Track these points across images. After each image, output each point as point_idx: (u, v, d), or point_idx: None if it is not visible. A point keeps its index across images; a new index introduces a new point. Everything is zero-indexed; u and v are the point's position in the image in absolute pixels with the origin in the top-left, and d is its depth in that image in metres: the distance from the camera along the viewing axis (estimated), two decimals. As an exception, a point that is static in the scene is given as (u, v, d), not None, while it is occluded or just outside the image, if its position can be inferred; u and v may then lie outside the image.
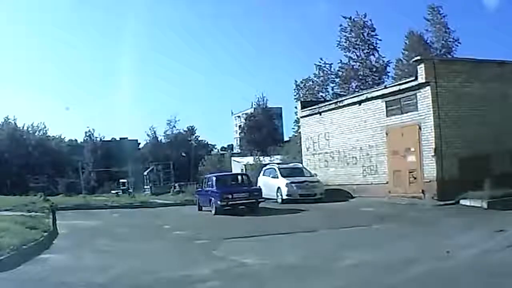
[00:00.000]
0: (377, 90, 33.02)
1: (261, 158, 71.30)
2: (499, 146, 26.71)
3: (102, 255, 15.89)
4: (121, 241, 19.22)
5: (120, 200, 41.59)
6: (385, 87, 32.00)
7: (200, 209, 31.12)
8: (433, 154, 26.79)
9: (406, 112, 28.83)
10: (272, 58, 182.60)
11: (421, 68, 27.41)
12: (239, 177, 33.29)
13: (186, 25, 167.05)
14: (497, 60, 29.15)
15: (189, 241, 18.69)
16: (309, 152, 38.82)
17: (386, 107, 30.54)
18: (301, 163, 38.89)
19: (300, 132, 45.20)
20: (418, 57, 29.02)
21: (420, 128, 27.59)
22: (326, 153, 36.64)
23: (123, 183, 72.83)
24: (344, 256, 13.84)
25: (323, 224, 21.72)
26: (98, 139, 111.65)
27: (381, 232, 19.10)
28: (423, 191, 27.31)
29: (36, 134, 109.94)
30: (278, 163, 48.15)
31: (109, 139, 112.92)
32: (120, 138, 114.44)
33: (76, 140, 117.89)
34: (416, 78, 27.80)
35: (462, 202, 24.62)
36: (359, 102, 33.19)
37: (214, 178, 30.11)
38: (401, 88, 29.31)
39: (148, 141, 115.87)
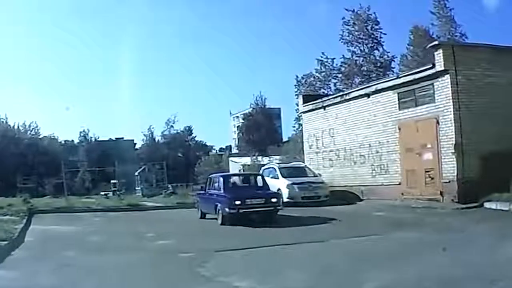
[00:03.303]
0: (388, 81, 30.57)
1: (259, 158, 70.15)
2: None
3: (62, 272, 13.30)
4: (92, 252, 16.62)
5: (106, 202, 38.94)
6: (398, 77, 29.49)
7: (202, 216, 25.92)
8: (453, 151, 24.58)
9: (422, 105, 26.48)
10: (272, 58, 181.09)
11: (439, 55, 25.12)
12: (252, 178, 27.14)
13: (184, 24, 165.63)
14: None
15: (172, 253, 15.92)
16: (312, 150, 36.45)
17: (399, 99, 28.11)
18: (303, 163, 35.94)
19: (301, 130, 43.19)
20: (436, 42, 26.53)
21: (438, 122, 25.29)
22: (331, 151, 34.17)
23: (114, 184, 70.32)
24: (364, 277, 11.16)
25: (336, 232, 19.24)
26: (93, 139, 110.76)
27: (403, 243, 16.29)
28: (441, 193, 25.06)
29: (28, 133, 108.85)
30: (278, 163, 45.57)
31: (105, 139, 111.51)
32: (116, 138, 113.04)
33: (72, 140, 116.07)
34: (433, 66, 25.52)
35: (486, 205, 22.48)
36: (368, 95, 30.75)
37: (221, 179, 24.72)
38: (415, 77, 26.91)
39: (144, 141, 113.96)
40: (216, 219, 23.52)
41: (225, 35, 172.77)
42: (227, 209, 22.54)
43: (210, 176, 27.60)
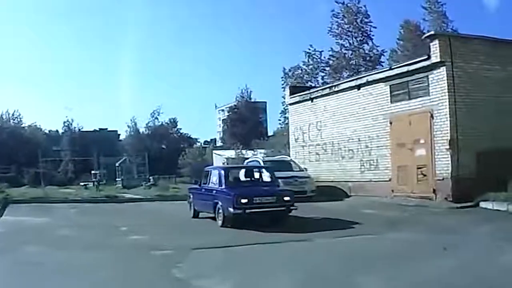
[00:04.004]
0: (380, 72, 29.28)
1: (244, 151, 69.09)
2: None
3: (19, 271, 12.19)
4: (58, 248, 15.47)
5: (83, 193, 38.69)
6: (390, 69, 28.26)
7: (195, 215, 22.81)
8: (447, 147, 23.41)
9: (415, 98, 25.30)
10: (259, 53, 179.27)
11: (435, 46, 23.91)
12: (259, 171, 23.43)
13: (171, 18, 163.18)
14: None
15: (145, 251, 14.75)
16: (298, 144, 35.23)
17: (391, 91, 26.89)
18: (289, 157, 34.77)
19: (287, 123, 42.41)
20: (432, 32, 25.50)
21: (432, 116, 24.10)
22: (318, 145, 32.94)
23: (95, 175, 69.47)
24: (356, 283, 10.27)
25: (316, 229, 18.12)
26: (77, 129, 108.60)
27: (395, 244, 15.06)
28: (434, 191, 23.88)
29: (11, 122, 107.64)
30: (263, 156, 44.48)
31: (89, 129, 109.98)
32: (100, 129, 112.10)
33: (57, 130, 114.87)
34: (429, 57, 24.30)
35: (482, 205, 21.37)
36: (358, 86, 29.48)
37: (222, 172, 21.15)
38: (409, 69, 25.68)
39: (128, 133, 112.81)
40: (212, 218, 20.46)
41: (212, 28, 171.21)
42: (230, 209, 19.06)
43: (207, 168, 24.01)
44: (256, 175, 22.80)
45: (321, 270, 11.75)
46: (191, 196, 23.60)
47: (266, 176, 22.61)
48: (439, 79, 23.87)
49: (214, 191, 20.72)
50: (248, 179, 22.16)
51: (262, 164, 30.34)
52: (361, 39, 59.55)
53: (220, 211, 19.78)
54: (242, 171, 22.89)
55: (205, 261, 13.39)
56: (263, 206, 19.31)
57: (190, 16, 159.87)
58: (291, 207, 19.71)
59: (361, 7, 59.33)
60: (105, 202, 32.79)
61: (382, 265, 11.86)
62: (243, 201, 19.05)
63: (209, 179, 21.78)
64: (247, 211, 18.95)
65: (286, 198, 19.86)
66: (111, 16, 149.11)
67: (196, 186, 23.40)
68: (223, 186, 20.34)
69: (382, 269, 11.37)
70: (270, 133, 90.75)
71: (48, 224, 21.34)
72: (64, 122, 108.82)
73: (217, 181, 20.92)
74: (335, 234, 16.81)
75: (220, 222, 19.63)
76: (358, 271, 11.13)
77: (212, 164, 67.64)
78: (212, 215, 20.54)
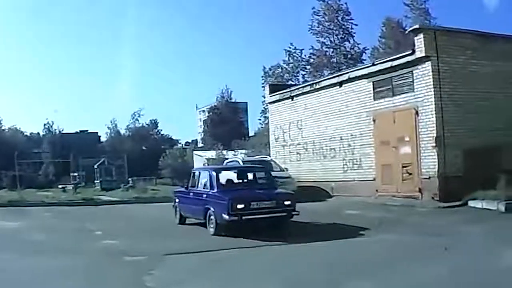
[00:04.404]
0: (362, 68, 28.62)
1: (224, 152, 68.91)
2: None
3: None
4: (26, 253, 14.66)
5: (60, 196, 38.49)
6: (373, 64, 27.51)
7: (182, 221, 20.90)
8: (433, 144, 22.76)
9: (399, 94, 24.64)
10: (241, 53, 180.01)
11: (419, 40, 23.25)
12: (255, 172, 21.10)
13: (152, 18, 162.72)
14: (508, 35, 25.37)
15: (118, 257, 14.01)
16: (278, 143, 34.63)
17: (374, 88, 26.22)
18: (269, 156, 34.07)
19: (267, 123, 42.02)
20: (416, 26, 24.97)
21: (417, 113, 23.46)
22: (299, 144, 32.31)
23: (74, 177, 68.88)
24: None
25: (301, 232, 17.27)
26: (58, 131, 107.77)
27: (383, 247, 14.34)
28: (420, 190, 23.20)
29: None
30: (243, 157, 43.92)
31: (70, 131, 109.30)
32: (80, 131, 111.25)
33: (38, 133, 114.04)
34: (413, 52, 23.64)
35: (471, 203, 20.68)
36: (340, 83, 28.78)
37: (213, 174, 19.00)
38: (393, 65, 25.01)
39: (109, 134, 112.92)
40: (202, 225, 18.56)
41: (192, 28, 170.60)
42: (225, 215, 16.98)
43: (196, 170, 22.38)
44: (252, 176, 20.56)
45: (305, 276, 11.08)
46: (177, 200, 21.45)
47: (262, 178, 20.64)
48: (424, 75, 23.25)
49: (205, 195, 18.70)
50: (243, 181, 19.97)
51: (241, 164, 29.53)
52: (342, 36, 59.37)
53: (212, 217, 17.72)
54: (236, 172, 20.57)
55: (179, 267, 12.70)
56: (262, 211, 17.26)
57: (171, 16, 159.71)
58: (293, 212, 17.72)
59: (342, 5, 59.17)
60: (82, 205, 32.36)
61: (370, 271, 11.10)
62: (239, 206, 16.98)
63: (198, 182, 19.82)
64: (244, 217, 16.86)
65: (287, 202, 17.77)
66: (89, 16, 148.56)
67: (183, 189, 21.46)
68: (215, 190, 18.27)
69: (370, 275, 10.61)
70: (251, 133, 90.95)
71: (20, 229, 20.66)
72: (45, 125, 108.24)
73: (208, 183, 18.83)
74: (319, 237, 16.09)
75: (212, 230, 17.62)
76: (345, 277, 10.47)
77: (193, 165, 67.30)
78: (202, 221, 18.66)
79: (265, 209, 17.30)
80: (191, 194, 19.96)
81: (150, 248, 14.98)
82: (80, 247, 15.87)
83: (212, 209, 17.82)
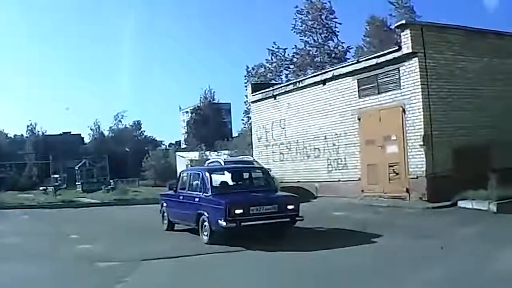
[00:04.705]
0: (346, 66, 27.95)
1: (207, 153, 69.07)
2: (502, 134, 22.69)
3: None
4: None
5: (40, 198, 37.98)
6: (358, 62, 26.85)
7: (170, 227, 19.33)
8: (421, 143, 22.13)
9: (385, 92, 23.97)
10: (225, 54, 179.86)
11: (406, 36, 22.60)
12: (252, 174, 19.47)
13: (133, 18, 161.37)
14: (496, 31, 24.99)
15: (90, 262, 13.41)
16: (261, 143, 34.02)
17: (359, 86, 25.58)
18: (252, 157, 33.32)
19: (250, 123, 41.26)
20: (403, 21, 24.57)
21: (404, 111, 22.82)
22: (282, 144, 31.68)
23: (56, 179, 68.59)
24: None
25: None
26: (41, 133, 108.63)
27: (372, 252, 13.69)
28: (407, 190, 22.56)
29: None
30: (225, 157, 43.25)
31: (53, 133, 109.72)
32: (63, 133, 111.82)
33: (22, 134, 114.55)
34: (400, 48, 23.03)
35: (461, 204, 20.22)
36: (324, 82, 28.15)
37: (206, 175, 17.22)
38: (378, 61, 24.37)
39: (92, 136, 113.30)
40: (195, 232, 17.03)
41: (175, 28, 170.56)
42: (221, 221, 15.30)
43: (185, 171, 21.37)
44: (249, 177, 19.09)
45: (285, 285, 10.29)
46: (165, 204, 19.82)
47: (260, 179, 18.90)
48: (411, 71, 22.64)
49: (197, 199, 17.00)
50: (239, 182, 18.40)
51: (223, 164, 28.70)
52: (326, 35, 58.88)
53: (206, 224, 16.09)
54: (231, 173, 18.96)
55: (153, 274, 12.19)
56: (262, 217, 15.62)
57: (152, 15, 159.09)
58: (297, 218, 16.20)
59: (325, 3, 58.59)
60: (61, 207, 32.20)
61: (362, 279, 10.54)
62: (238, 211, 15.35)
63: (189, 184, 18.30)
64: (243, 224, 15.30)
65: (290, 207, 16.16)
66: (68, 18, 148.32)
67: (171, 192, 19.44)
68: (209, 193, 16.56)
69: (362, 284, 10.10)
70: (235, 134, 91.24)
71: (-7, 232, 20.17)
72: (28, 126, 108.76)
73: (201, 186, 17.18)
74: (304, 242, 15.41)
75: (205, 238, 16.04)
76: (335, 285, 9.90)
77: (176, 167, 66.76)
78: (193, 227, 17.20)
79: (266, 214, 15.63)
80: (181, 197, 18.28)
81: (127, 253, 14.50)
82: (53, 252, 15.29)
83: (205, 214, 16.18)
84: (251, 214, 15.43)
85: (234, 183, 18.15)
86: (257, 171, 19.81)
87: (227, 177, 18.41)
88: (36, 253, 15.16)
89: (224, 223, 15.12)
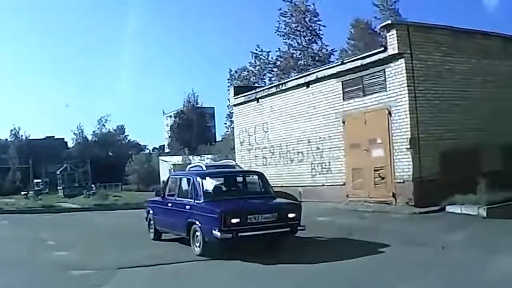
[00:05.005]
0: (330, 68, 27.39)
1: (191, 157, 69.15)
2: (491, 136, 22.42)
3: None
4: None
5: (20, 203, 38.97)
6: (342, 63, 26.32)
7: (157, 236, 17.95)
8: (408, 146, 21.62)
9: (371, 94, 23.48)
10: (208, 58, 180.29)
11: (392, 36, 22.05)
12: (247, 179, 18.03)
13: (116, 21, 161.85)
14: (484, 31, 24.55)
15: (65, 270, 12.93)
16: (244, 147, 33.49)
17: (343, 88, 25.07)
18: (234, 161, 32.68)
19: (233, 126, 40.23)
20: (389, 21, 24.13)
21: (390, 114, 22.33)
22: (265, 148, 31.17)
23: (37, 184, 68.36)
24: None
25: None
26: (24, 137, 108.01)
27: (363, 259, 12.96)
28: (394, 195, 22.03)
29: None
30: (208, 162, 42.62)
31: (37, 137, 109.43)
32: (47, 137, 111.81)
33: (6, 139, 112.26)
34: (385, 49, 22.52)
35: (449, 209, 19.83)
36: (307, 84, 27.63)
37: (197, 180, 15.67)
38: (364, 63, 23.83)
39: (75, 141, 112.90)
40: (186, 243, 15.62)
41: (159, 31, 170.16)
42: (215, 232, 13.87)
43: (174, 175, 20.14)
44: (244, 182, 17.70)
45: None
46: (151, 211, 18.42)
47: (256, 184, 17.25)
48: (397, 73, 22.14)
49: (188, 207, 15.51)
50: (233, 188, 17.07)
51: (204, 169, 27.93)
52: (310, 38, 58.26)
53: (198, 234, 14.69)
54: (225, 178, 17.34)
55: (132, 283, 11.80)
56: (261, 227, 14.22)
57: (136, 17, 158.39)
58: (298, 227, 14.87)
59: (309, 6, 57.93)
60: (42, 212, 32.58)
61: None
62: (234, 221, 13.96)
63: (178, 189, 16.84)
64: (240, 234, 13.87)
65: (291, 215, 14.73)
66: (54, 22, 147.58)
67: (158, 198, 18.12)
68: (201, 200, 15.09)
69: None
70: (218, 138, 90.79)
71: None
72: (11, 130, 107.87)
73: (192, 192, 15.70)
74: (287, 249, 14.84)
75: (198, 250, 14.66)
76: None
77: (159, 171, 66.31)
78: (183, 236, 15.84)
79: (265, 223, 14.27)
80: (170, 204, 16.87)
81: (103, 260, 13.98)
82: (27, 259, 14.93)
83: (198, 223, 14.77)
84: (249, 223, 14.08)
85: (228, 188, 16.79)
86: (253, 175, 18.28)
87: (220, 182, 16.85)
88: (9, 260, 14.67)
89: (218, 234, 13.77)
